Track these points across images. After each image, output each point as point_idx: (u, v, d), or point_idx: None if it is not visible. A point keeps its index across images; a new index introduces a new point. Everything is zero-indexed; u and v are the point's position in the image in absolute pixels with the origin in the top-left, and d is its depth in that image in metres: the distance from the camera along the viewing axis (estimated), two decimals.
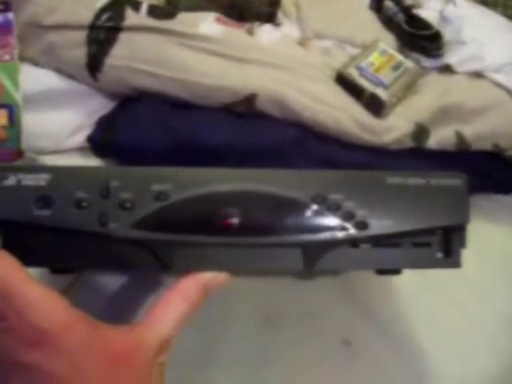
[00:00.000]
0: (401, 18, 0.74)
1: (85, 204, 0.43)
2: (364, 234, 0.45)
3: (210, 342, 0.60)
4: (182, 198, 0.43)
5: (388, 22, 0.75)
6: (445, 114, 0.67)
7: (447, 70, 0.72)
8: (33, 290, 0.38)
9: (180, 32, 0.64)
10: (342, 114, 0.64)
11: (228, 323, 0.61)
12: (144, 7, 0.65)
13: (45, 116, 0.66)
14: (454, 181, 0.46)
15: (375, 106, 0.65)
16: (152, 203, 0.43)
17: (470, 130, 0.67)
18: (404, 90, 0.68)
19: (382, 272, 0.51)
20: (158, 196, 0.43)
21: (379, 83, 0.66)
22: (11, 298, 0.37)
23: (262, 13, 0.72)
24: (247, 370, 0.60)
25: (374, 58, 0.69)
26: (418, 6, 0.76)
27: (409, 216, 0.45)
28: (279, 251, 0.45)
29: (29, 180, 0.43)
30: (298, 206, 0.45)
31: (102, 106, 0.68)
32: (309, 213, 0.44)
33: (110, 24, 0.64)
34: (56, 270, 0.48)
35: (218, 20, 0.67)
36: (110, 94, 0.68)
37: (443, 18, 0.74)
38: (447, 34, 0.72)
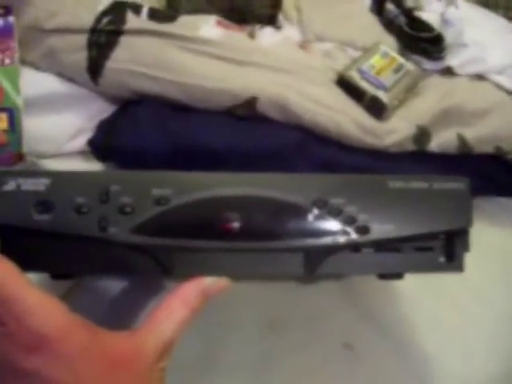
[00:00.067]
0: (402, 20, 0.74)
1: (85, 209, 0.42)
2: (366, 238, 0.45)
3: (212, 346, 0.60)
4: (182, 203, 0.43)
5: (389, 25, 0.75)
6: (446, 116, 0.67)
7: (449, 72, 0.72)
8: (32, 295, 0.38)
9: (180, 35, 0.64)
10: (342, 117, 0.64)
11: (230, 327, 0.61)
12: (145, 11, 0.65)
13: (45, 120, 0.66)
14: (456, 185, 0.46)
15: (376, 108, 0.65)
16: (152, 208, 0.43)
17: (471, 133, 0.67)
18: (405, 92, 0.67)
19: (383, 276, 0.51)
20: (159, 200, 0.43)
21: (380, 86, 0.66)
22: (10, 304, 0.37)
23: (262, 16, 0.72)
24: (250, 374, 0.59)
25: (376, 60, 0.69)
26: (420, 9, 0.76)
27: (411, 220, 0.45)
28: (280, 256, 0.45)
29: (28, 185, 0.43)
30: (299, 211, 0.44)
31: (102, 110, 0.68)
32: (310, 217, 0.44)
33: (110, 27, 0.63)
34: (56, 276, 0.48)
35: (219, 23, 0.67)
36: (111, 98, 0.68)
37: (444, 21, 0.74)
38: (449, 36, 0.72)
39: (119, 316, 0.57)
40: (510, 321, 0.66)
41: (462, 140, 0.66)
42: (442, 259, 0.47)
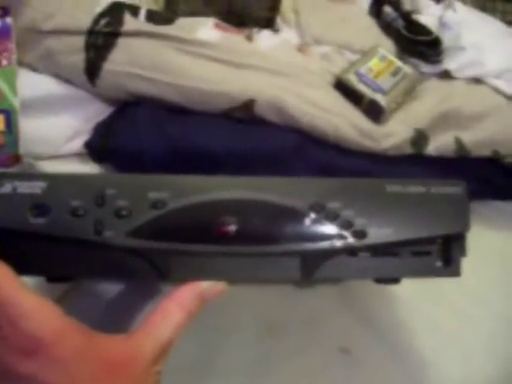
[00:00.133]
0: (400, 23, 0.74)
1: (81, 212, 0.42)
2: (363, 242, 0.44)
3: (209, 349, 0.60)
4: (179, 206, 0.43)
5: (387, 28, 0.75)
6: (444, 120, 0.67)
7: (446, 75, 0.72)
8: (27, 299, 0.38)
9: (178, 37, 0.64)
10: (340, 120, 0.63)
11: (228, 331, 0.61)
12: (143, 12, 0.65)
13: (43, 121, 0.66)
14: (454, 189, 0.46)
15: (374, 111, 0.65)
16: (149, 211, 0.43)
17: (469, 137, 0.67)
18: (403, 95, 0.67)
19: (380, 281, 0.51)
20: (155, 204, 0.43)
21: (378, 89, 0.66)
22: (5, 307, 0.37)
23: (260, 18, 0.71)
24: (247, 378, 0.59)
25: (373, 63, 0.69)
26: (418, 12, 0.76)
27: (408, 224, 0.45)
28: (277, 260, 0.45)
29: (24, 188, 0.43)
30: (296, 215, 0.44)
31: (99, 112, 0.67)
32: (307, 221, 0.44)
33: (108, 29, 0.63)
34: (52, 279, 0.48)
35: (217, 26, 0.67)
36: (108, 100, 0.67)
37: (442, 24, 0.74)
38: (446, 39, 0.72)
39: (115, 319, 0.57)
40: (508, 324, 0.66)
41: (459, 143, 0.66)
42: (438, 264, 0.47)
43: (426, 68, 0.72)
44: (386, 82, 0.67)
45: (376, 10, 0.77)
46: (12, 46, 0.64)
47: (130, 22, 0.64)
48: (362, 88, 0.66)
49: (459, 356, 0.63)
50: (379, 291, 0.64)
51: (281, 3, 0.73)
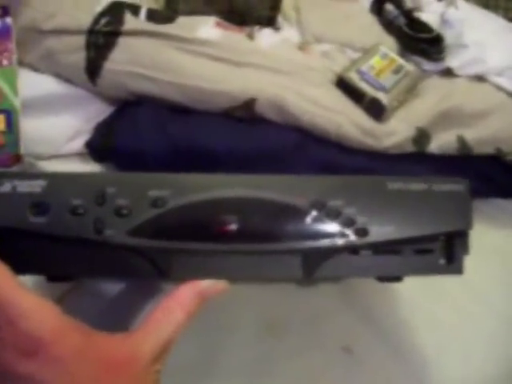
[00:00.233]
0: (402, 21, 0.74)
1: (81, 211, 0.42)
2: (364, 240, 0.44)
3: (209, 349, 0.59)
4: (179, 205, 0.43)
5: (389, 26, 0.75)
6: (446, 118, 0.67)
7: (448, 73, 0.72)
8: (25, 298, 0.38)
9: (179, 36, 0.64)
10: (342, 118, 0.63)
11: (228, 330, 0.61)
12: (143, 11, 0.65)
13: (43, 121, 0.66)
14: (456, 186, 0.46)
15: (376, 110, 0.65)
16: (149, 210, 0.42)
17: (471, 134, 0.67)
18: (405, 93, 0.67)
19: (382, 279, 0.51)
20: (155, 202, 0.42)
21: (380, 87, 0.66)
22: (3, 307, 0.37)
23: (262, 17, 0.71)
24: (248, 378, 0.59)
25: (375, 61, 0.69)
26: (419, 10, 0.76)
27: (410, 222, 0.45)
28: (278, 258, 0.45)
29: (24, 187, 0.42)
30: (297, 213, 0.44)
31: (100, 111, 0.67)
32: (308, 219, 0.44)
33: (108, 28, 0.63)
34: (52, 278, 0.48)
35: (218, 24, 0.67)
36: (109, 99, 0.67)
37: (444, 22, 0.73)
38: (448, 37, 0.72)
39: (116, 319, 0.57)
40: (510, 322, 0.65)
41: (461, 141, 0.66)
42: (441, 261, 0.47)
43: (428, 66, 0.72)
44: (387, 79, 0.67)
45: (377, 8, 0.76)
46: (12, 45, 0.64)
47: (130, 21, 0.64)
48: (363, 86, 0.66)
49: (461, 355, 0.62)
50: (381, 290, 0.64)
51: (282, 1, 0.72)
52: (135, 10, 0.65)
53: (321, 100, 0.64)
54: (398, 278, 0.50)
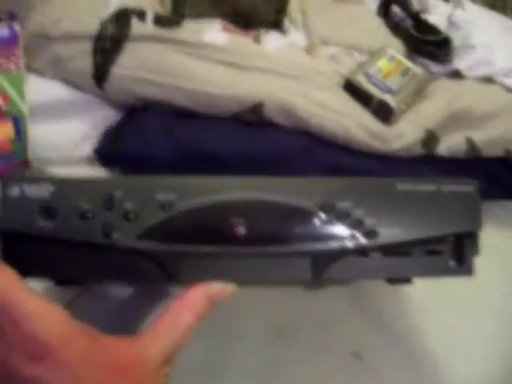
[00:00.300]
0: (408, 23, 0.74)
1: (89, 215, 0.42)
2: (374, 242, 0.44)
3: (218, 353, 0.59)
4: (187, 208, 0.43)
5: (395, 28, 0.75)
6: (455, 120, 0.66)
7: (456, 75, 0.72)
8: (31, 302, 0.37)
9: (186, 41, 0.64)
10: (350, 122, 0.63)
11: (237, 334, 0.60)
12: (149, 16, 0.65)
13: (51, 127, 0.66)
14: (465, 187, 0.46)
15: (384, 112, 0.65)
16: (157, 213, 0.42)
17: (480, 136, 0.66)
18: (413, 96, 0.67)
19: (392, 281, 0.50)
20: (163, 206, 0.42)
21: (388, 90, 0.66)
22: (9, 310, 0.37)
23: (268, 20, 0.71)
24: (256, 382, 0.59)
25: (382, 64, 0.68)
26: (426, 12, 0.75)
27: (419, 223, 0.44)
28: (287, 261, 0.44)
29: (32, 191, 0.42)
30: (306, 215, 0.44)
31: (108, 117, 0.67)
32: (317, 221, 0.44)
33: (115, 34, 0.63)
34: (61, 282, 0.48)
35: (224, 28, 0.67)
36: (117, 105, 0.67)
37: (451, 23, 0.73)
38: (456, 38, 0.72)
39: (125, 322, 0.57)
40: None
41: (470, 143, 0.66)
42: (451, 263, 0.46)
43: (436, 68, 0.72)
44: (395, 82, 0.67)
45: (384, 10, 0.76)
46: (19, 51, 0.64)
47: (137, 27, 0.64)
48: (371, 89, 0.66)
49: (473, 360, 0.62)
50: (390, 293, 0.64)
51: (288, 5, 0.72)
52: (142, 15, 0.65)
53: (328, 103, 0.64)
54: (407, 280, 0.49)
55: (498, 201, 0.71)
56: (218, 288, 0.44)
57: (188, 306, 0.43)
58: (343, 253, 0.44)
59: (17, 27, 0.65)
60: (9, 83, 0.63)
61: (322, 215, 0.44)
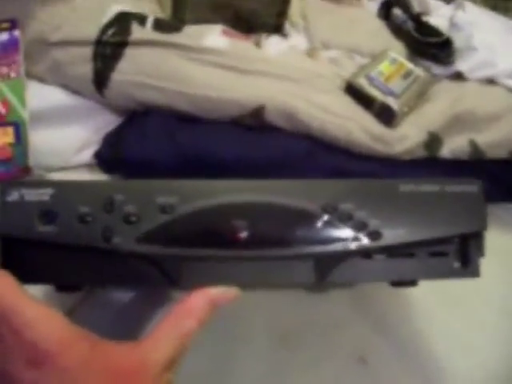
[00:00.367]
0: (410, 25, 0.73)
1: (89, 219, 0.42)
2: (377, 244, 0.43)
3: (220, 360, 0.58)
4: (188, 211, 0.42)
5: (397, 30, 0.75)
6: (458, 122, 0.66)
7: (459, 77, 0.71)
8: (31, 308, 0.37)
9: (186, 45, 0.64)
10: (352, 125, 0.63)
11: (240, 340, 0.60)
12: (150, 21, 0.65)
13: (52, 133, 0.65)
14: (469, 187, 0.45)
15: (386, 115, 0.64)
16: (157, 216, 0.42)
17: (483, 138, 0.66)
18: (415, 98, 0.67)
19: (396, 284, 0.50)
20: (164, 209, 0.42)
21: (390, 92, 0.65)
22: (8, 316, 0.36)
23: (268, 24, 0.71)
24: None
25: (384, 67, 0.68)
26: (427, 13, 0.75)
27: (424, 224, 0.44)
28: (290, 264, 0.44)
29: (32, 195, 0.42)
30: (308, 217, 0.43)
31: (109, 122, 0.67)
32: (319, 223, 0.43)
33: (115, 39, 0.63)
34: (61, 288, 0.47)
35: (225, 32, 0.66)
36: (117, 110, 0.67)
37: (453, 25, 0.73)
38: (458, 40, 0.71)
39: (127, 328, 0.56)
40: None
41: (473, 146, 0.65)
42: (456, 264, 0.46)
43: (438, 70, 0.71)
44: (397, 85, 0.67)
45: (385, 13, 0.76)
46: (20, 58, 0.65)
47: (137, 32, 0.64)
48: (373, 92, 0.65)
49: (480, 364, 0.61)
50: (394, 298, 0.63)
51: (289, 8, 0.72)
52: (142, 19, 0.65)
53: (330, 107, 0.63)
54: (412, 283, 0.49)
55: (502, 203, 0.71)
56: (220, 292, 0.44)
57: (190, 310, 0.43)
58: (347, 255, 0.44)
59: (17, 34, 0.65)
60: (9, 89, 0.63)
61: (325, 217, 0.43)
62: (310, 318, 0.62)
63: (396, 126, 0.65)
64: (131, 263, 0.43)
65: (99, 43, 0.63)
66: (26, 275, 0.40)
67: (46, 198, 0.42)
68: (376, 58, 0.69)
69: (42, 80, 0.67)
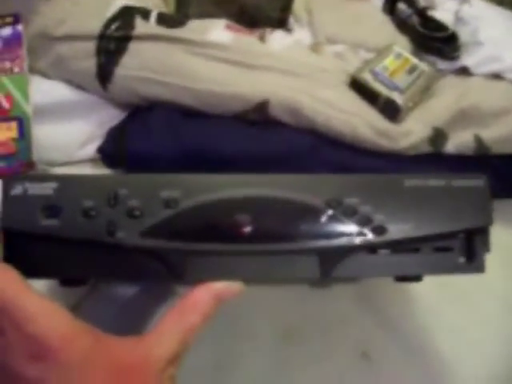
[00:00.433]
0: (415, 20, 0.73)
1: (92, 213, 0.41)
2: (382, 239, 0.43)
3: (224, 357, 0.58)
4: (192, 205, 0.42)
5: (402, 25, 0.74)
6: (463, 117, 0.66)
7: (464, 72, 0.71)
8: (33, 302, 0.37)
9: (190, 40, 0.63)
10: (357, 120, 0.63)
11: (244, 337, 0.60)
12: (153, 15, 0.65)
13: (55, 128, 0.66)
14: (474, 182, 0.45)
15: (391, 110, 0.64)
16: (161, 210, 0.42)
17: (489, 134, 0.65)
18: (420, 93, 0.66)
19: (401, 279, 0.49)
20: (167, 203, 0.42)
21: (395, 87, 0.65)
22: (9, 310, 0.36)
23: (273, 18, 0.71)
24: None
25: (389, 61, 0.68)
26: (433, 8, 0.75)
27: (429, 219, 0.44)
28: (294, 258, 0.44)
29: (35, 189, 0.42)
30: (313, 212, 0.43)
31: (112, 117, 0.67)
32: (324, 218, 0.43)
33: (119, 33, 0.63)
34: (65, 282, 0.47)
35: (229, 27, 0.66)
36: (121, 105, 0.67)
37: (459, 19, 0.72)
38: (463, 35, 0.71)
39: (132, 323, 0.56)
40: None
41: (478, 141, 0.65)
42: (461, 260, 0.45)
43: (443, 65, 0.71)
44: (402, 80, 0.66)
45: (390, 7, 0.76)
46: (23, 53, 0.64)
47: (140, 26, 0.64)
48: (378, 87, 0.65)
49: (484, 360, 0.61)
50: (398, 293, 0.63)
51: (293, 3, 0.72)
52: (145, 14, 0.65)
53: (335, 102, 0.63)
54: (417, 278, 0.48)
55: (507, 199, 0.70)
56: (224, 287, 0.43)
57: (194, 305, 0.42)
58: (351, 250, 0.44)
59: (20, 29, 0.65)
60: (13, 84, 0.63)
61: (330, 212, 0.43)
62: (314, 313, 0.62)
63: (401, 121, 0.64)
64: (135, 257, 0.43)
65: (103, 38, 0.63)
66: (29, 269, 0.39)
67: (49, 191, 0.42)
68: (381, 52, 0.69)
69: (45, 75, 0.67)
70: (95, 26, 0.63)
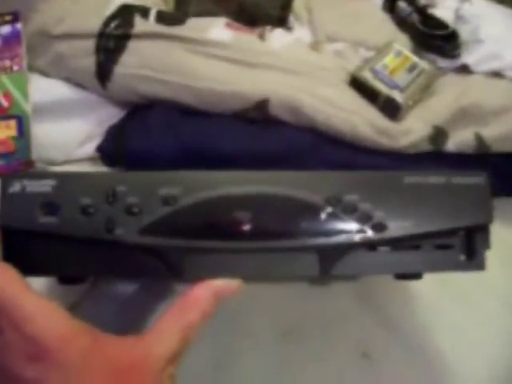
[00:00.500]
0: (415, 18, 0.73)
1: (91, 210, 0.41)
2: (382, 236, 0.43)
3: (225, 354, 0.58)
4: (191, 202, 0.42)
5: (402, 23, 0.74)
6: (463, 115, 0.65)
7: (464, 70, 0.71)
8: (31, 301, 0.37)
9: (190, 38, 0.63)
10: (357, 118, 0.62)
11: (244, 336, 0.60)
12: (153, 14, 0.65)
13: (54, 126, 0.65)
14: (475, 179, 0.45)
15: (391, 109, 0.64)
16: (160, 208, 0.42)
17: (489, 132, 0.65)
18: (420, 92, 0.66)
19: (401, 277, 0.49)
20: (166, 200, 0.42)
21: (395, 86, 0.65)
22: (7, 310, 0.36)
23: (273, 17, 0.71)
24: None
25: (389, 60, 0.68)
26: (433, 6, 0.75)
27: (429, 216, 0.43)
28: (294, 256, 0.44)
29: (33, 187, 0.42)
30: (312, 209, 0.43)
31: (111, 115, 0.67)
32: (323, 215, 0.43)
33: (118, 32, 0.63)
34: (63, 280, 0.47)
35: (229, 25, 0.66)
36: (120, 103, 0.67)
37: (459, 17, 0.72)
38: (464, 33, 0.71)
39: (132, 322, 0.56)
40: None
41: (479, 139, 0.65)
42: (462, 257, 0.45)
43: (444, 63, 0.71)
44: (402, 78, 0.66)
45: (390, 5, 0.75)
46: (22, 51, 0.64)
47: (140, 24, 0.63)
48: (377, 85, 0.65)
49: (485, 360, 0.61)
50: (398, 291, 0.63)
51: (293, 1, 0.72)
52: (145, 12, 0.65)
53: (335, 100, 0.63)
54: (417, 276, 0.48)
55: (507, 198, 0.70)
56: (223, 284, 0.43)
57: (193, 303, 0.42)
58: (351, 247, 0.43)
59: (19, 27, 0.65)
60: (12, 83, 0.63)
61: (329, 209, 0.43)
62: (313, 311, 0.61)
63: (401, 119, 0.64)
64: (134, 255, 0.43)
65: (102, 36, 0.63)
66: (28, 267, 0.39)
67: (48, 189, 0.42)
68: (381, 51, 0.69)
69: (44, 73, 0.67)
70: (94, 24, 0.63)
